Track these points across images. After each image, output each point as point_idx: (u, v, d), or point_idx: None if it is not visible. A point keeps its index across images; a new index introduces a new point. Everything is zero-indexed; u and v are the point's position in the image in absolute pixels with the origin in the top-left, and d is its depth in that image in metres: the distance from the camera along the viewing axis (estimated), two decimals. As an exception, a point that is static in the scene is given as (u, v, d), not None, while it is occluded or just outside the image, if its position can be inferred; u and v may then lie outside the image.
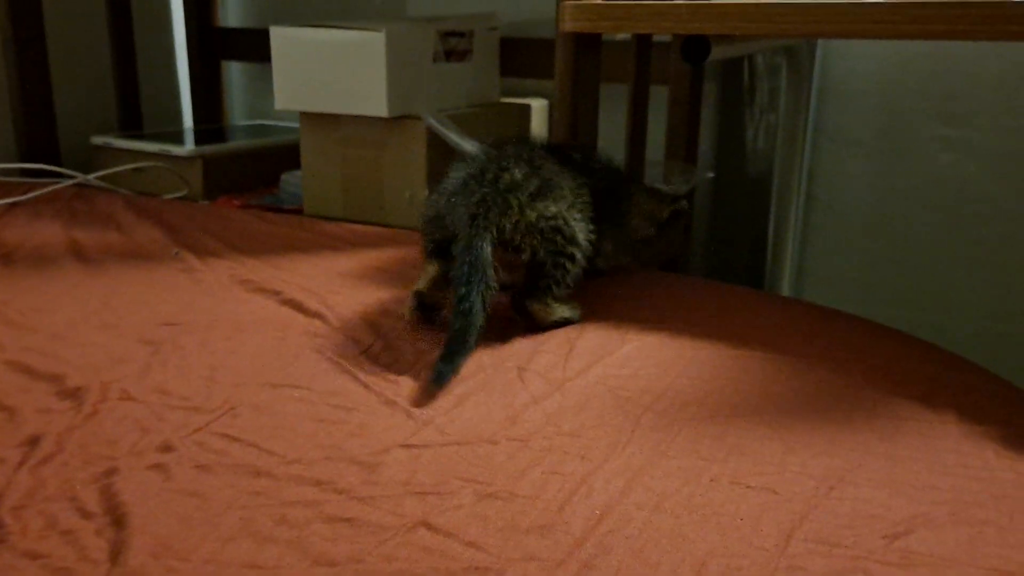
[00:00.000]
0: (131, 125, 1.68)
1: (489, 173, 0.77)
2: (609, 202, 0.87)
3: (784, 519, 0.51)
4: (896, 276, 1.30)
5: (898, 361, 0.75)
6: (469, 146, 1.20)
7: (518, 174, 0.77)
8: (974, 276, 1.25)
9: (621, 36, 1.17)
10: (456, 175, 0.81)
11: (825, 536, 0.50)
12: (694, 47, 0.88)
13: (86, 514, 0.51)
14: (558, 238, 0.77)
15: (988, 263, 1.23)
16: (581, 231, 0.79)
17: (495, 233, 0.74)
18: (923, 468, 0.58)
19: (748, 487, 0.55)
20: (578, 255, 0.78)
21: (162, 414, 0.64)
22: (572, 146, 0.93)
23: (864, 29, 0.76)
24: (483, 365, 0.72)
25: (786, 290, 1.30)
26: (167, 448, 0.59)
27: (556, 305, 0.79)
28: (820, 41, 1.25)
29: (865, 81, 1.26)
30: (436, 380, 0.67)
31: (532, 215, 0.75)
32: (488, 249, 0.72)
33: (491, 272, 0.72)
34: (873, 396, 0.67)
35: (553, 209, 0.77)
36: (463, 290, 0.71)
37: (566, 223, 0.77)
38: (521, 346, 0.76)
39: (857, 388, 0.69)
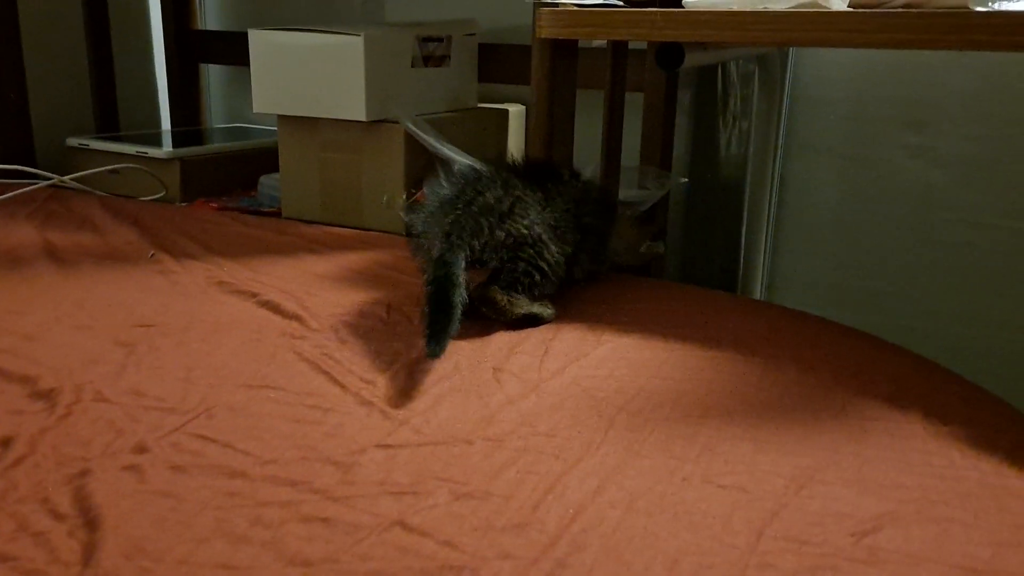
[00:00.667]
0: (108, 127, 1.67)
1: (465, 195, 0.82)
2: (589, 219, 0.90)
3: (755, 517, 0.52)
4: (865, 280, 1.32)
5: (866, 363, 0.77)
6: (447, 150, 1.21)
7: (491, 197, 0.82)
8: (940, 280, 1.27)
9: (597, 43, 1.18)
10: (435, 196, 0.85)
11: (795, 534, 0.51)
12: (668, 54, 0.89)
13: (58, 516, 0.51)
14: (527, 252, 0.81)
15: (953, 268, 1.26)
16: (553, 245, 0.82)
17: (467, 251, 0.78)
18: (890, 467, 0.59)
19: (720, 486, 0.56)
20: (547, 268, 0.82)
21: (136, 415, 0.64)
22: (555, 165, 0.96)
23: (833, 38, 0.78)
24: (459, 366, 0.73)
25: (759, 294, 1.32)
26: (141, 449, 0.59)
27: (522, 299, 0.81)
28: (792, 49, 1.27)
29: (835, 89, 1.28)
30: (431, 355, 0.70)
31: (501, 235, 0.80)
32: (461, 263, 0.76)
33: (462, 283, 0.75)
34: (842, 397, 0.69)
35: (523, 228, 0.81)
36: (432, 288, 0.74)
37: (537, 239, 0.81)
38: (497, 347, 0.77)
39: (826, 389, 0.70)
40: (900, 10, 0.80)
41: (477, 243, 0.79)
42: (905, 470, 0.58)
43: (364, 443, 0.60)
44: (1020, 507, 0.55)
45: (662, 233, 1.01)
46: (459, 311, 0.73)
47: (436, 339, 0.71)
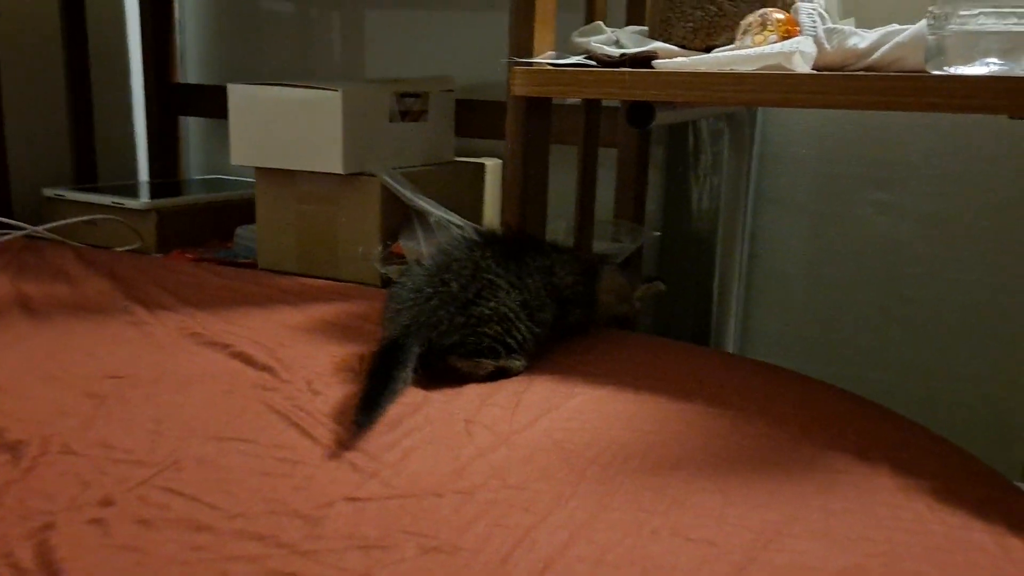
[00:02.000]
0: (86, 178, 1.67)
1: (430, 287, 0.83)
2: (570, 291, 0.92)
3: (722, 571, 0.52)
4: (835, 334, 1.34)
5: (835, 416, 0.78)
6: (423, 203, 1.22)
7: (456, 286, 0.83)
8: (908, 335, 1.29)
9: (571, 100, 1.21)
10: (403, 286, 0.87)
11: (762, 587, 0.51)
12: (639, 112, 0.92)
13: (20, 571, 0.50)
14: (493, 328, 0.82)
15: (921, 322, 1.28)
16: (522, 323, 0.84)
17: (423, 342, 0.80)
18: (858, 521, 0.59)
19: (688, 539, 0.56)
20: (515, 344, 0.83)
21: (104, 468, 0.63)
22: (534, 238, 0.99)
23: (797, 99, 0.80)
24: (431, 418, 0.73)
25: (731, 347, 1.33)
26: (107, 502, 0.58)
27: (486, 361, 0.82)
28: (760, 108, 1.31)
29: (803, 147, 1.32)
30: (357, 424, 0.70)
31: (460, 319, 0.81)
32: (414, 348, 0.78)
33: (408, 364, 0.77)
34: (810, 450, 0.69)
35: (486, 310, 0.82)
36: (375, 361, 0.77)
37: (503, 318, 0.82)
38: (469, 399, 0.77)
39: (795, 442, 0.71)
40: (861, 73, 0.83)
41: (435, 333, 0.80)
42: (872, 524, 0.59)
43: (333, 496, 0.59)
44: (987, 561, 0.56)
45: (651, 280, 1.03)
46: (398, 388, 0.75)
47: (365, 411, 0.71)
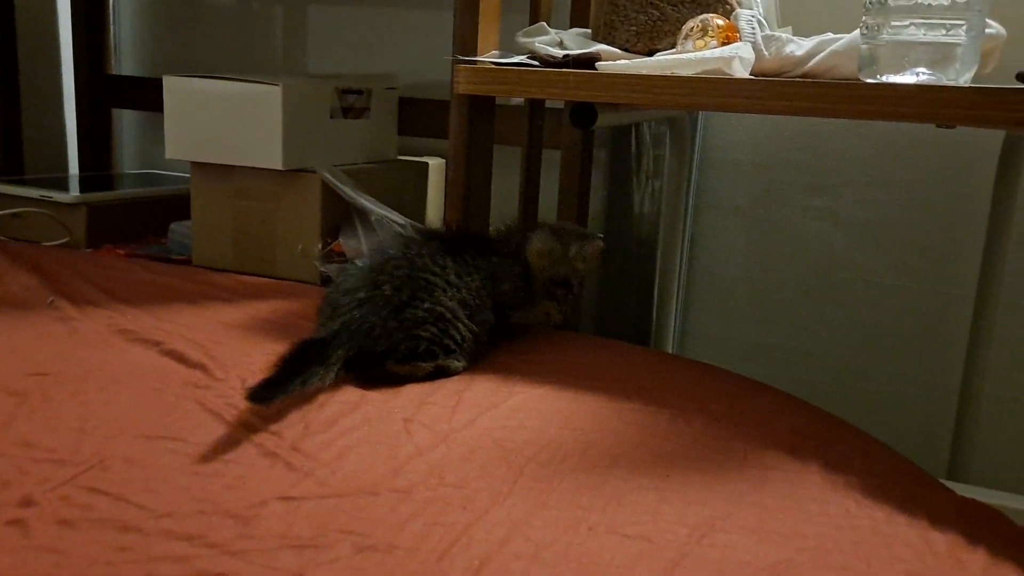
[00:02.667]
0: (13, 170, 1.61)
1: (362, 291, 0.82)
2: (508, 286, 0.90)
3: (657, 567, 0.53)
4: (771, 336, 1.37)
5: (769, 415, 0.79)
6: (364, 201, 1.21)
7: (388, 288, 0.81)
8: (841, 337, 1.33)
9: (515, 100, 1.21)
10: (338, 287, 0.85)
11: (695, 582, 0.52)
12: (582, 114, 0.92)
13: (-69, 574, 0.48)
14: (428, 331, 0.80)
15: (853, 324, 1.32)
16: (461, 323, 0.82)
17: (352, 349, 0.79)
18: (789, 516, 0.60)
19: (624, 536, 0.56)
20: (453, 344, 0.82)
21: (24, 467, 0.60)
22: (481, 236, 0.97)
23: (735, 103, 0.82)
24: (369, 417, 0.72)
25: (671, 347, 1.34)
26: (28, 503, 0.56)
27: (423, 364, 0.81)
28: (701, 113, 1.33)
29: (742, 152, 1.34)
30: (250, 398, 0.69)
31: (394, 324, 0.80)
32: (339, 354, 0.77)
33: (331, 368, 0.76)
34: (744, 448, 0.70)
35: (420, 312, 0.81)
36: (294, 348, 0.76)
37: (439, 318, 0.81)
38: (408, 398, 0.76)
39: (730, 440, 0.72)
40: (797, 80, 0.85)
41: (367, 340, 0.79)
42: (803, 519, 0.60)
43: (266, 495, 0.58)
44: (910, 554, 0.57)
45: (589, 233, 0.99)
46: (311, 381, 0.74)
47: (267, 387, 0.70)
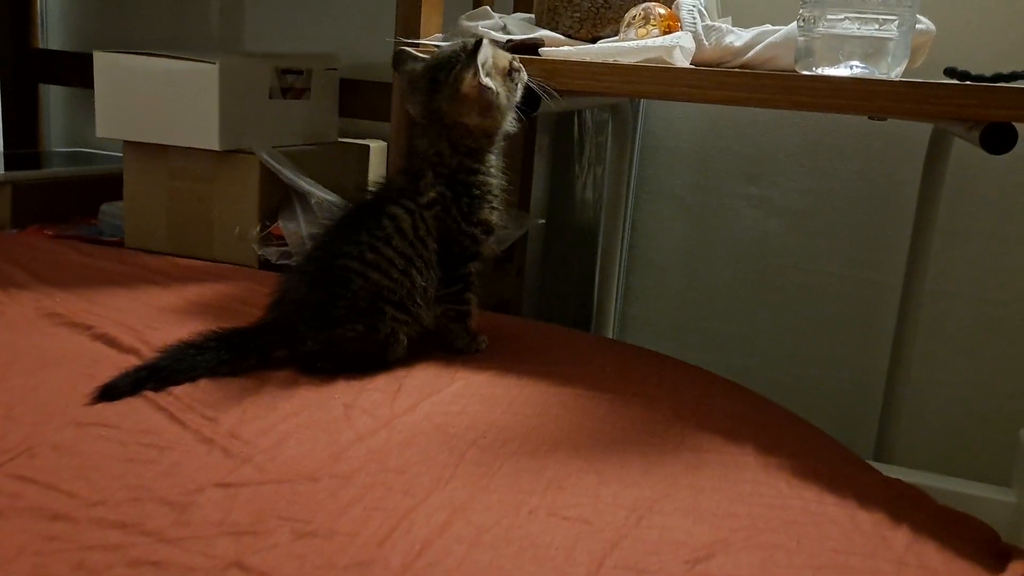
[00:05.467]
0: (-69, 146, 1.54)
1: (291, 284, 0.81)
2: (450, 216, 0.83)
3: (596, 548, 0.54)
4: (708, 321, 1.39)
5: (705, 399, 0.81)
6: (304, 183, 1.19)
7: (304, 288, 0.80)
8: (775, 322, 1.36)
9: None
10: (288, 272, 0.85)
11: (633, 563, 0.53)
12: (525, 99, 0.92)
13: None
14: (353, 329, 0.78)
15: (787, 310, 1.35)
16: (385, 302, 0.78)
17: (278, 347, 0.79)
18: (723, 497, 0.62)
19: (564, 518, 0.57)
20: (383, 332, 0.78)
21: (-54, 456, 0.58)
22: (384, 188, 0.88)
23: (676, 92, 0.83)
24: (308, 402, 0.71)
25: (611, 332, 1.36)
26: (-50, 492, 0.54)
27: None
28: (642, 101, 1.34)
29: (682, 141, 1.36)
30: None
31: (317, 325, 0.78)
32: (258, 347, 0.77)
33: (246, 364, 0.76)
34: (681, 431, 0.72)
35: (342, 310, 0.78)
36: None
37: (361, 312, 0.77)
38: (349, 383, 0.75)
39: (667, 423, 0.73)
40: (736, 70, 0.86)
41: (296, 342, 0.78)
42: (737, 500, 0.62)
43: (202, 482, 0.57)
44: (838, 532, 0.59)
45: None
46: (217, 368, 0.74)
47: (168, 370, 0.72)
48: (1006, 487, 0.95)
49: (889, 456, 1.18)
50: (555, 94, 0.85)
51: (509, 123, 0.84)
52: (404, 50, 0.85)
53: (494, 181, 0.85)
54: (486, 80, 0.79)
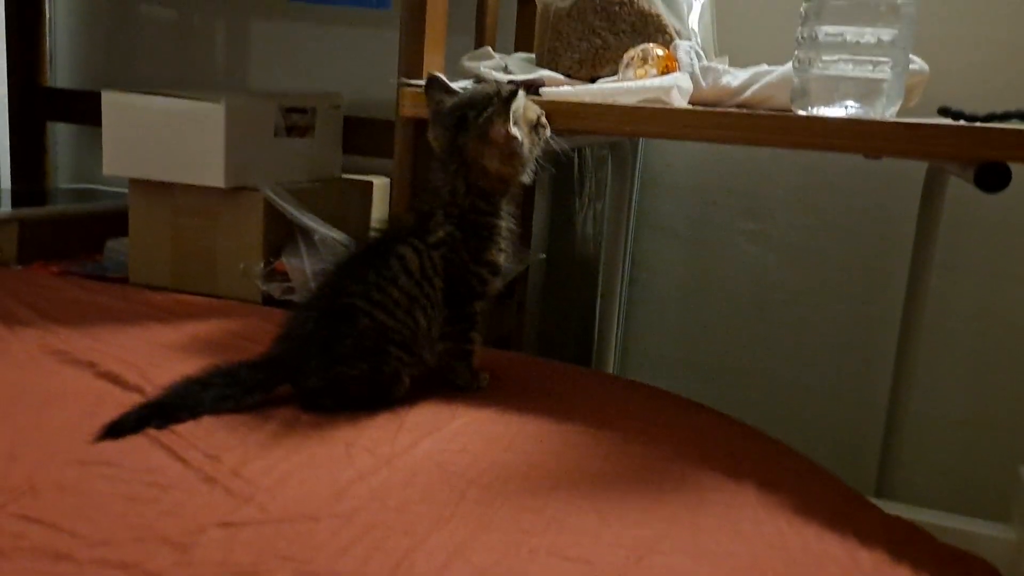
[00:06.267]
0: (-62, 183, 1.56)
1: (298, 322, 0.81)
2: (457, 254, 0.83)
3: (597, 588, 0.54)
4: (708, 355, 1.40)
5: (706, 435, 0.81)
6: (307, 220, 1.20)
7: (311, 325, 0.79)
8: (775, 356, 1.36)
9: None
10: (295, 309, 0.84)
11: (634, 603, 0.53)
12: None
13: None
14: (357, 367, 0.78)
15: (786, 345, 1.36)
16: (391, 343, 0.78)
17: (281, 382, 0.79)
18: (724, 536, 0.62)
19: (565, 558, 0.57)
20: (387, 370, 0.79)
21: (-50, 495, 0.59)
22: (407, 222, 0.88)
23: (674, 132, 0.84)
24: (310, 440, 0.71)
25: (612, 367, 1.36)
26: (-46, 533, 0.54)
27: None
28: (642, 138, 1.36)
29: (682, 177, 1.38)
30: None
31: (321, 362, 0.78)
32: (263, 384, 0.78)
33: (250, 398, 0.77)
34: (682, 469, 0.72)
35: (348, 349, 0.78)
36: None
37: (366, 352, 0.78)
38: (350, 421, 0.76)
39: (668, 461, 0.73)
40: (733, 110, 0.88)
41: (299, 377, 0.79)
42: (737, 538, 0.62)
43: (204, 522, 0.57)
44: (839, 571, 0.59)
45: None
46: (221, 403, 0.75)
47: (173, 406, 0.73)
48: (1006, 524, 0.95)
49: (890, 492, 1.17)
50: (571, 154, 0.86)
51: (527, 174, 0.85)
52: (437, 78, 0.86)
53: (503, 224, 0.85)
54: (514, 129, 0.79)
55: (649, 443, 0.77)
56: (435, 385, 0.85)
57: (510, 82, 0.93)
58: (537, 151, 0.84)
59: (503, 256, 0.86)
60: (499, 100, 0.79)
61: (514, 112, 0.79)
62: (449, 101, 0.84)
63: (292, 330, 0.82)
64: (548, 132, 0.85)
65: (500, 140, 0.80)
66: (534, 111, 0.83)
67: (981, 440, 1.28)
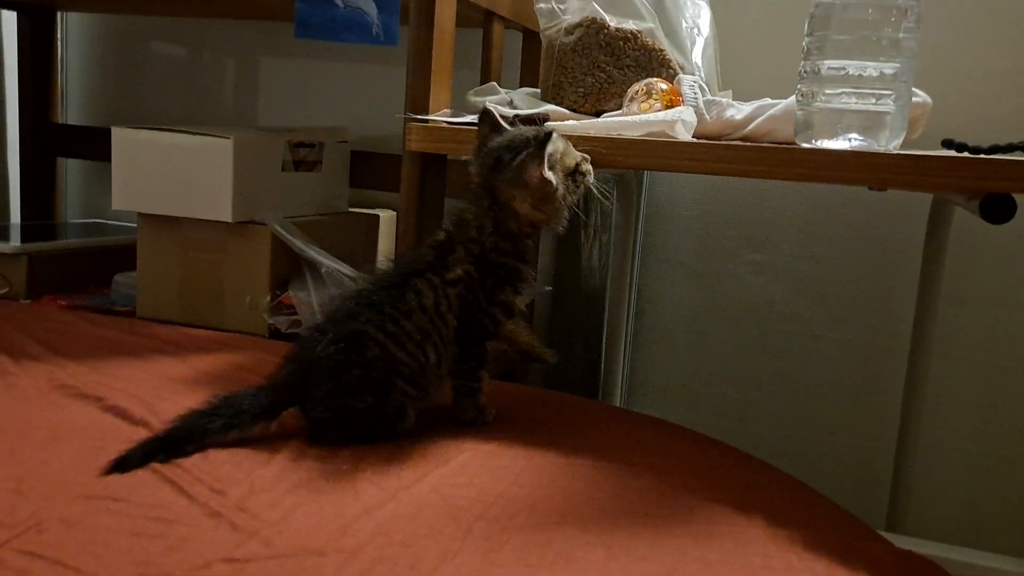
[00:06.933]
0: (-50, 218, 1.58)
1: (305, 349, 0.80)
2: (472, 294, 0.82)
3: (605, 624, 0.53)
4: (714, 387, 1.39)
5: (714, 468, 0.80)
6: (314, 253, 1.21)
7: (320, 349, 0.78)
8: (782, 388, 1.36)
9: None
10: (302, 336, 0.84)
11: (642, 639, 0.52)
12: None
13: None
14: (364, 400, 0.77)
15: (794, 376, 1.35)
16: (399, 376, 0.78)
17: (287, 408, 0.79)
18: (733, 571, 0.61)
19: (572, 593, 0.56)
20: (398, 403, 0.78)
21: (-44, 531, 0.58)
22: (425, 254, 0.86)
23: (678, 164, 0.85)
24: (315, 473, 0.71)
25: (619, 399, 1.36)
26: (-42, 569, 0.54)
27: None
28: (646, 171, 1.37)
29: (686, 208, 1.38)
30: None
31: (328, 389, 0.77)
32: (267, 407, 0.78)
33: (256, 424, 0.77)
34: (690, 503, 0.71)
35: (356, 378, 0.77)
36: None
37: (373, 383, 0.77)
38: (356, 453, 0.76)
39: (677, 495, 0.73)
40: (737, 143, 0.88)
41: (306, 403, 0.78)
42: (746, 573, 0.61)
43: (209, 557, 0.57)
44: (850, 607, 0.58)
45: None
46: (230, 426, 0.75)
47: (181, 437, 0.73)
48: (1020, 558, 0.94)
49: (901, 526, 1.16)
50: (613, 201, 0.84)
51: (561, 221, 0.83)
52: (490, 112, 0.85)
53: (523, 267, 0.84)
54: (548, 173, 0.79)
55: (656, 476, 0.76)
56: (441, 418, 0.85)
57: (514, 115, 0.94)
58: (574, 198, 0.82)
59: (520, 299, 0.84)
60: (535, 143, 0.79)
61: (550, 156, 0.79)
62: (491, 141, 0.83)
63: (301, 353, 0.81)
64: (590, 179, 0.83)
65: (533, 183, 0.79)
66: (573, 157, 0.82)
67: (994, 472, 1.27)
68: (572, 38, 1.03)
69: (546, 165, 0.78)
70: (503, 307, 0.83)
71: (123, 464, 0.69)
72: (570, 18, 1.04)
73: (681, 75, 1.01)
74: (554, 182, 0.79)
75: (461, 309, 0.81)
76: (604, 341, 1.36)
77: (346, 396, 0.77)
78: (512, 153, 0.80)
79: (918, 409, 1.15)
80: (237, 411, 0.76)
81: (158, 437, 0.73)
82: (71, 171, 1.79)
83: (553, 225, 0.83)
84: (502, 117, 0.85)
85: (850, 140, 0.82)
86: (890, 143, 0.82)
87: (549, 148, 0.78)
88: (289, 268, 1.23)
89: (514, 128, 0.84)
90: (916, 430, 1.15)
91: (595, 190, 0.84)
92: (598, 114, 1.02)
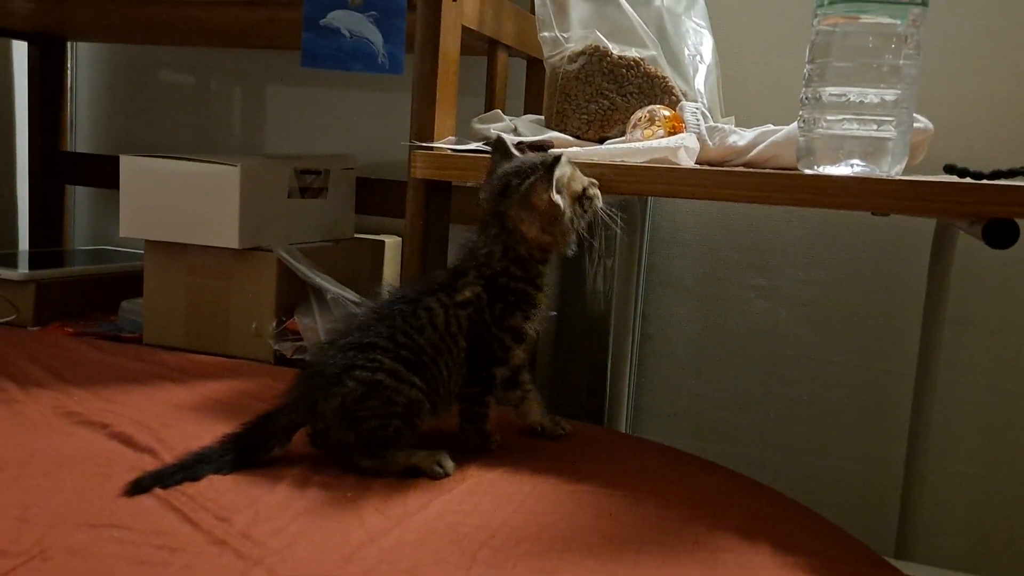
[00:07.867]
0: (-42, 246, 1.59)
1: (314, 366, 0.80)
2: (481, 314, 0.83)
3: (611, 653, 0.53)
4: (720, 412, 1.39)
5: (720, 495, 0.80)
6: (319, 279, 1.22)
7: (329, 357, 0.79)
8: (787, 413, 1.35)
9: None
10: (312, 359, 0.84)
11: (648, 669, 0.51)
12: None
13: None
14: (370, 404, 0.76)
15: (799, 401, 1.34)
16: (402, 383, 0.77)
17: (297, 425, 0.80)
18: (740, 599, 0.61)
19: (577, 622, 0.56)
20: (396, 416, 0.77)
21: (-39, 559, 0.58)
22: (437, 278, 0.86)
23: (681, 191, 0.85)
24: (320, 501, 0.71)
25: (624, 424, 1.35)
26: (-37, 598, 0.54)
27: (396, 454, 0.78)
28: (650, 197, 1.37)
29: (690, 233, 1.38)
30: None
31: (335, 401, 0.77)
32: (283, 427, 0.79)
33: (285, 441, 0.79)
34: (696, 530, 0.71)
35: (358, 384, 0.77)
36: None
37: (376, 387, 0.76)
38: (361, 480, 0.75)
39: (682, 522, 0.72)
40: (739, 169, 0.89)
41: (315, 420, 0.79)
42: (754, 601, 0.61)
43: (214, 586, 0.57)
44: (859, 635, 0.58)
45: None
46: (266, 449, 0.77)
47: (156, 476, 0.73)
48: (1033, 585, 0.93)
49: (910, 553, 1.15)
50: (622, 225, 0.84)
51: (569, 245, 0.84)
52: (503, 140, 0.86)
53: (534, 292, 0.84)
54: (556, 197, 0.79)
55: (662, 504, 0.76)
56: (446, 445, 0.85)
57: (519, 143, 0.95)
58: (582, 222, 0.83)
59: (531, 325, 0.84)
60: (543, 167, 0.80)
61: (558, 180, 0.79)
62: (501, 167, 0.84)
63: (311, 366, 0.81)
64: (598, 204, 0.84)
65: (541, 207, 0.80)
66: (580, 182, 0.83)
67: (1003, 497, 1.26)
68: (576, 66, 1.04)
69: (554, 189, 0.79)
70: (513, 332, 0.83)
71: (132, 491, 0.71)
72: (573, 46, 1.05)
73: (684, 102, 1.02)
74: (562, 205, 0.80)
75: (470, 331, 0.82)
76: (609, 366, 1.36)
77: (354, 406, 0.77)
78: (520, 178, 0.81)
79: (925, 433, 1.14)
80: (244, 448, 0.77)
81: (171, 466, 0.74)
82: (79, 198, 1.80)
83: (562, 249, 0.84)
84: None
85: (852, 166, 0.83)
86: (892, 169, 0.83)
87: (557, 172, 0.79)
88: (295, 294, 1.24)
89: (523, 155, 0.85)
90: (924, 454, 1.14)
91: (604, 216, 0.84)
92: (602, 141, 1.03)
